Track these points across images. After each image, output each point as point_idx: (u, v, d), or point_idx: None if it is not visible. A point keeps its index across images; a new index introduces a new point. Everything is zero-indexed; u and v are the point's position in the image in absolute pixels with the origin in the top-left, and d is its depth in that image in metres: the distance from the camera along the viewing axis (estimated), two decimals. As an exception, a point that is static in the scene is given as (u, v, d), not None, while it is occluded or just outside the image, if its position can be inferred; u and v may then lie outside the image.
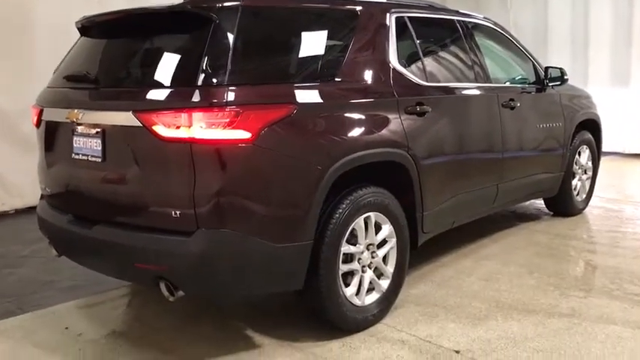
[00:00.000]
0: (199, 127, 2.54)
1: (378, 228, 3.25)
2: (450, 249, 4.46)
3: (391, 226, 3.28)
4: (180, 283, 2.67)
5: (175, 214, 2.60)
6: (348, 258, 3.14)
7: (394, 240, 3.32)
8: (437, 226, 3.74)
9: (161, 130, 2.60)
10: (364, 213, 3.12)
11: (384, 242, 3.30)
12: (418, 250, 3.60)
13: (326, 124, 2.95)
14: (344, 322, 3.10)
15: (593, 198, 5.74)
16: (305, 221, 2.80)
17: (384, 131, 3.24)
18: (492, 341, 3.06)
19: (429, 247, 3.94)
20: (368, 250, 3.20)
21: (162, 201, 2.66)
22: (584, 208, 5.61)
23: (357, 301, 3.15)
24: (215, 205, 2.58)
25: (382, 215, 3.23)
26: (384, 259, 3.33)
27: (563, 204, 5.39)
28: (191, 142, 2.56)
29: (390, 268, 3.33)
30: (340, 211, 2.99)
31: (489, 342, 3.06)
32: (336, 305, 3.02)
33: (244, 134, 2.60)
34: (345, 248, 3.05)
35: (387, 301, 3.33)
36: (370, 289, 3.25)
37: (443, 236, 4.00)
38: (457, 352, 2.96)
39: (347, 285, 3.11)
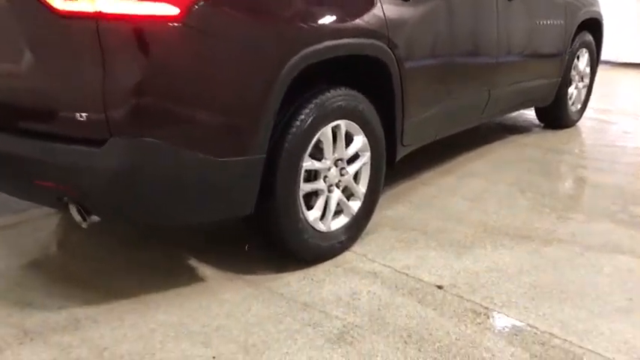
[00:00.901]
0: (108, -2, 1.86)
1: (349, 140, 2.67)
2: (430, 165, 3.92)
3: (365, 138, 2.70)
4: (91, 205, 2.08)
5: (81, 117, 1.96)
6: (312, 176, 2.57)
7: (368, 154, 2.74)
8: (418, 139, 3.17)
9: (57, 1, 1.90)
10: (332, 121, 2.51)
11: (355, 157, 2.73)
12: (394, 167, 3.04)
13: (283, 2, 2.28)
14: (305, 251, 2.57)
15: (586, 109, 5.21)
16: (255, 129, 2.19)
17: (359, 17, 2.58)
18: (481, 274, 2.58)
19: (407, 163, 3.38)
20: (336, 166, 2.62)
21: (64, 100, 2.02)
22: (578, 120, 5.09)
23: (321, 227, 2.60)
24: (133, 106, 1.95)
25: (354, 124, 2.63)
26: (356, 177, 2.76)
27: (557, 114, 4.85)
28: (97, 19, 1.88)
29: (362, 188, 2.78)
30: (302, 117, 2.37)
31: (477, 275, 2.57)
32: (296, 232, 2.47)
33: (169, 9, 1.92)
34: (308, 164, 2.47)
35: (358, 226, 2.80)
36: (338, 212, 2.71)
37: (423, 150, 3.43)
38: (439, 287, 2.48)
39: (309, 208, 2.56)
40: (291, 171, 2.38)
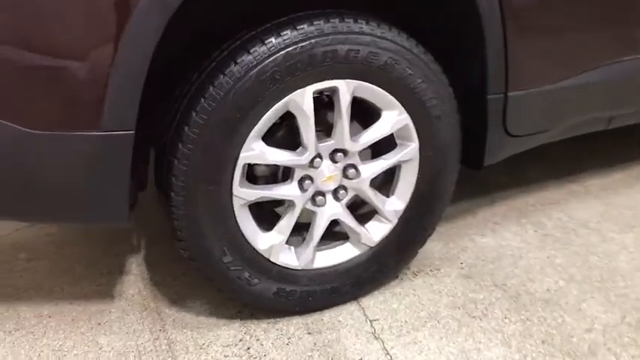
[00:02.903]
0: None
1: (368, 116, 1.47)
2: (555, 175, 2.38)
3: (406, 116, 1.46)
4: None
5: None
6: (281, 175, 1.47)
7: (413, 146, 1.51)
8: (538, 126, 1.73)
9: None
10: (315, 80, 1.34)
11: (383, 148, 1.52)
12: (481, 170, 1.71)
13: None
14: (244, 295, 1.52)
15: None
16: (104, 79, 1.17)
17: None
18: None
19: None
20: (334, 162, 1.46)
21: None
22: None
23: (286, 260, 1.51)
24: None
25: (379, 89, 1.41)
26: (387, 183, 1.57)
27: None
28: None
29: (394, 203, 1.57)
30: (233, 72, 1.28)
31: None
32: (218, 263, 1.43)
33: None
34: (252, 154, 1.36)
35: (379, 266, 1.62)
36: (339, 238, 1.57)
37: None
38: None
39: (268, 227, 1.48)
40: (208, 164, 1.32)
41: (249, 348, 1.49)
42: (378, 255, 1.61)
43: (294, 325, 1.56)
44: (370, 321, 1.57)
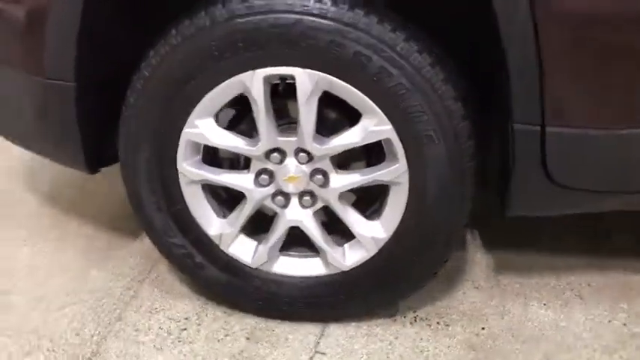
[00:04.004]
0: None
1: (350, 118, 1.23)
2: None
3: (391, 128, 1.17)
4: None
5: None
6: (236, 161, 1.34)
7: (399, 168, 1.21)
8: (592, 180, 1.18)
9: None
10: (270, 64, 1.16)
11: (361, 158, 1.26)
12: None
13: None
14: (202, 280, 1.45)
15: None
16: (41, 27, 1.20)
17: None
18: None
19: None
20: (300, 161, 1.27)
21: None
22: None
23: (242, 255, 1.37)
24: None
25: (355, 90, 1.16)
26: (379, 207, 1.31)
27: None
28: None
29: (375, 229, 1.30)
30: (177, 35, 1.18)
31: None
32: (166, 246, 1.39)
33: None
34: (195, 131, 1.25)
35: (352, 301, 1.38)
36: (314, 250, 1.38)
37: None
38: None
39: (226, 212, 1.37)
40: (143, 132, 1.26)
41: (185, 329, 1.43)
42: (350, 283, 1.36)
43: (241, 325, 1.44)
44: (316, 352, 1.36)
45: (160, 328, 1.44)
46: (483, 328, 1.41)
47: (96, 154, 1.38)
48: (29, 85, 1.28)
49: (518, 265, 1.59)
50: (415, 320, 1.44)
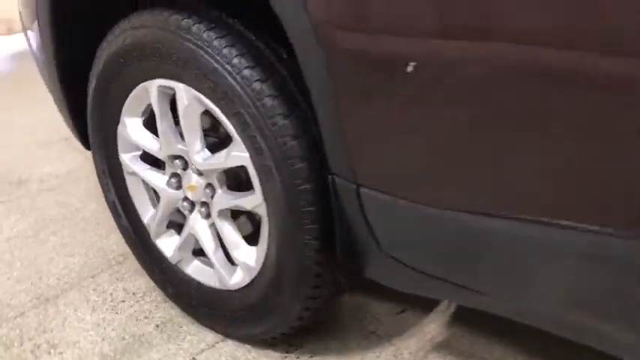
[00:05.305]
0: None
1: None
2: None
3: (247, 155, 1.15)
4: None
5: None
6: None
7: (254, 199, 1.18)
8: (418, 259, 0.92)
9: None
10: (161, 75, 1.23)
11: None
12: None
13: None
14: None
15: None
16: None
17: None
18: None
19: None
20: (184, 168, 1.31)
21: None
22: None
23: (164, 248, 1.47)
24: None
25: (213, 106, 1.17)
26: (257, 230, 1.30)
27: None
28: None
29: (249, 256, 1.28)
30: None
31: None
32: (118, 223, 1.57)
33: None
34: (123, 129, 1.38)
35: (237, 322, 1.37)
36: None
37: None
38: None
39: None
40: (93, 123, 1.46)
41: (123, 301, 1.60)
42: (235, 304, 1.35)
43: (164, 314, 1.54)
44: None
45: (111, 294, 1.64)
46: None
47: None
48: None
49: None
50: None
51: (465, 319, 1.46)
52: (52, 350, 1.45)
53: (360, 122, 0.91)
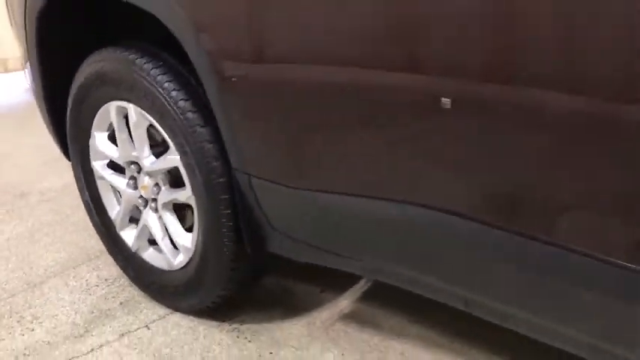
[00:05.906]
0: None
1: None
2: None
3: (177, 156, 1.49)
4: None
5: None
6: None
7: (185, 194, 1.52)
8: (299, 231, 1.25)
9: None
10: (115, 97, 1.58)
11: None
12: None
13: None
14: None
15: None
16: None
17: None
18: None
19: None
20: (139, 172, 1.65)
21: None
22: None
23: (127, 239, 1.81)
24: None
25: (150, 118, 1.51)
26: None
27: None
28: None
29: (187, 240, 1.61)
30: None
31: None
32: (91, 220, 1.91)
33: None
34: (93, 141, 1.73)
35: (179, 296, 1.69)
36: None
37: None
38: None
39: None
40: (71, 134, 1.81)
41: (97, 286, 1.93)
42: (179, 281, 1.67)
43: (129, 293, 1.87)
44: (145, 326, 1.71)
45: (87, 280, 1.97)
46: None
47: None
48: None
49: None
50: (235, 331, 1.66)
51: (376, 296, 1.76)
52: (34, 320, 1.78)
53: (244, 129, 1.25)
